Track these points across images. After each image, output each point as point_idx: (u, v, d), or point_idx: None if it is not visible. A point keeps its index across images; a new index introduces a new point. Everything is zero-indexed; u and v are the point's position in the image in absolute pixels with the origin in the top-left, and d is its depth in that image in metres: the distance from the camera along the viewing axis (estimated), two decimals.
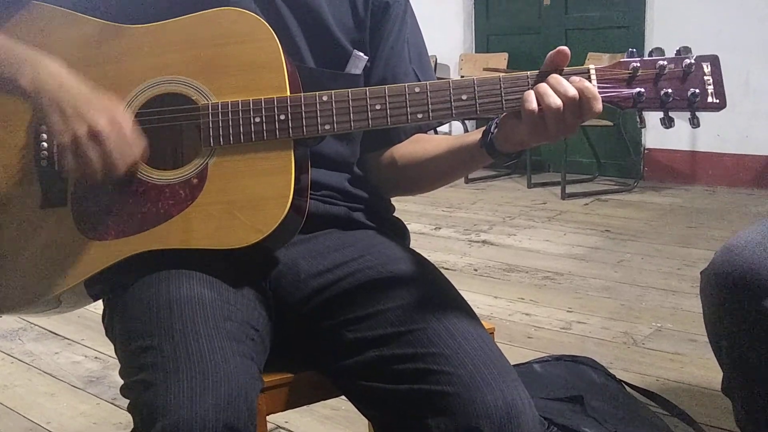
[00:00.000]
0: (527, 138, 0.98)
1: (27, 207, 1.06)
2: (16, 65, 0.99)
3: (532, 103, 0.94)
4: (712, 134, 4.88)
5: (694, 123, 0.97)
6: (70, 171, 1.01)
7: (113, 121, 0.97)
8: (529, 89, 0.96)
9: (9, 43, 1.02)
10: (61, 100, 0.97)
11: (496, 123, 1.03)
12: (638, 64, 0.96)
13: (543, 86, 0.95)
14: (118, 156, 0.97)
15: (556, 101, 0.93)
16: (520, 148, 1.01)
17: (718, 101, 0.96)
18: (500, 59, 5.49)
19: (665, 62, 0.96)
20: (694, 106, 0.96)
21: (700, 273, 1.26)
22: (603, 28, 5.31)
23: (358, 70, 1.15)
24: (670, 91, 0.96)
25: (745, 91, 4.61)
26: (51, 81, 0.98)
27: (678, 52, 0.97)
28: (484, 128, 1.05)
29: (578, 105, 0.94)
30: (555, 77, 0.95)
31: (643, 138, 5.21)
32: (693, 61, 0.96)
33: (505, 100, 0.97)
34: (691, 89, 0.96)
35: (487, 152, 1.05)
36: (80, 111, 0.97)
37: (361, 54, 1.15)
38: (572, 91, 0.94)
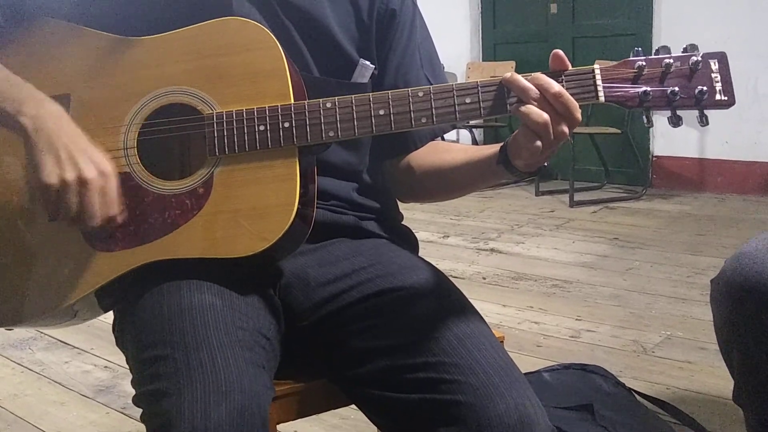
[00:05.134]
0: (525, 144, 0.96)
1: (37, 220, 1.06)
2: (18, 102, 1.00)
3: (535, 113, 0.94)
4: (721, 141, 4.87)
5: (703, 121, 0.96)
6: (48, 210, 1.02)
7: (102, 174, 0.99)
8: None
9: (14, 79, 1.03)
10: (58, 142, 0.98)
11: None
12: (644, 63, 0.95)
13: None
14: (97, 209, 0.99)
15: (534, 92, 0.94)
16: (531, 162, 0.99)
17: (726, 99, 0.95)
18: (507, 67, 5.49)
19: (671, 60, 0.95)
20: (702, 103, 0.95)
21: (711, 281, 1.25)
22: (610, 36, 5.31)
23: (365, 79, 1.15)
24: (677, 89, 0.95)
25: (753, 98, 4.60)
26: (51, 122, 0.99)
27: (684, 49, 0.96)
28: (502, 144, 1.04)
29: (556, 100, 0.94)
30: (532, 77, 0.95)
31: (651, 145, 5.20)
32: (700, 58, 0.94)
33: (509, 103, 0.96)
34: (699, 87, 0.94)
35: (505, 168, 1.03)
36: (73, 156, 0.98)
37: (368, 63, 1.15)
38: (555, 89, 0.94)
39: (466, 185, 1.18)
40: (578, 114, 0.95)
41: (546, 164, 1.00)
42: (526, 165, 1.00)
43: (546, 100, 0.94)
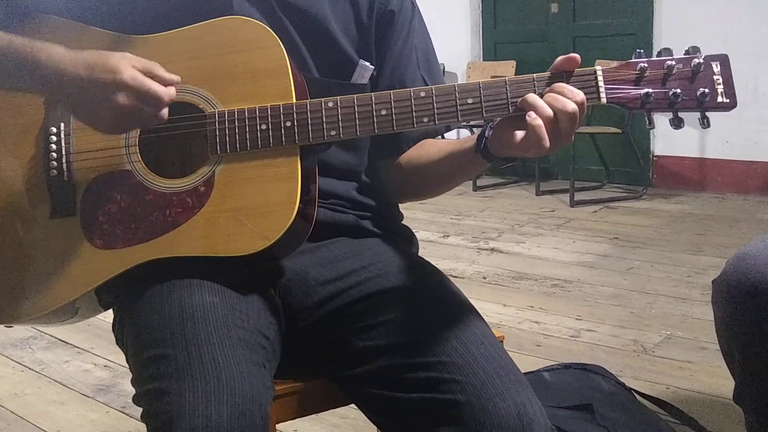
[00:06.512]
0: (520, 148, 0.97)
1: (37, 217, 1.06)
2: (30, 60, 0.97)
3: (536, 119, 0.94)
4: (721, 141, 4.87)
5: (704, 123, 0.96)
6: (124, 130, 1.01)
7: (122, 85, 0.94)
8: (534, 94, 0.96)
9: (21, 54, 0.99)
10: (78, 99, 0.96)
11: (491, 127, 1.02)
12: (646, 65, 0.96)
13: (549, 95, 0.95)
14: (144, 105, 0.95)
15: (567, 105, 0.93)
16: (516, 154, 1.00)
17: (728, 101, 0.95)
18: (508, 67, 5.50)
19: (673, 62, 0.95)
20: (704, 106, 0.95)
21: (712, 282, 1.25)
22: (611, 36, 5.30)
23: (364, 80, 1.15)
24: (678, 91, 0.95)
25: (753, 97, 4.60)
26: (67, 58, 0.96)
27: (687, 51, 0.96)
28: (479, 132, 1.05)
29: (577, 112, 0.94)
30: (560, 85, 0.95)
31: (651, 145, 5.20)
32: (702, 60, 0.95)
33: (511, 103, 0.97)
34: (701, 89, 0.95)
35: (482, 157, 1.04)
36: (98, 103, 0.95)
37: (367, 63, 1.15)
38: (580, 97, 0.94)
39: (450, 178, 1.18)
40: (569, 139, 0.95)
41: None
42: (507, 153, 1.01)
43: (555, 119, 0.94)
